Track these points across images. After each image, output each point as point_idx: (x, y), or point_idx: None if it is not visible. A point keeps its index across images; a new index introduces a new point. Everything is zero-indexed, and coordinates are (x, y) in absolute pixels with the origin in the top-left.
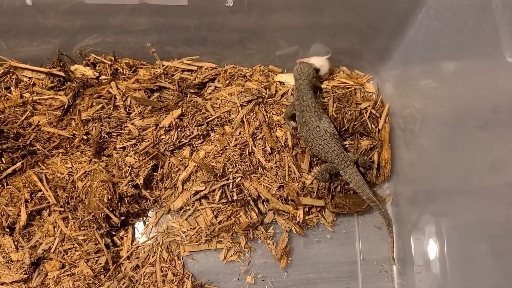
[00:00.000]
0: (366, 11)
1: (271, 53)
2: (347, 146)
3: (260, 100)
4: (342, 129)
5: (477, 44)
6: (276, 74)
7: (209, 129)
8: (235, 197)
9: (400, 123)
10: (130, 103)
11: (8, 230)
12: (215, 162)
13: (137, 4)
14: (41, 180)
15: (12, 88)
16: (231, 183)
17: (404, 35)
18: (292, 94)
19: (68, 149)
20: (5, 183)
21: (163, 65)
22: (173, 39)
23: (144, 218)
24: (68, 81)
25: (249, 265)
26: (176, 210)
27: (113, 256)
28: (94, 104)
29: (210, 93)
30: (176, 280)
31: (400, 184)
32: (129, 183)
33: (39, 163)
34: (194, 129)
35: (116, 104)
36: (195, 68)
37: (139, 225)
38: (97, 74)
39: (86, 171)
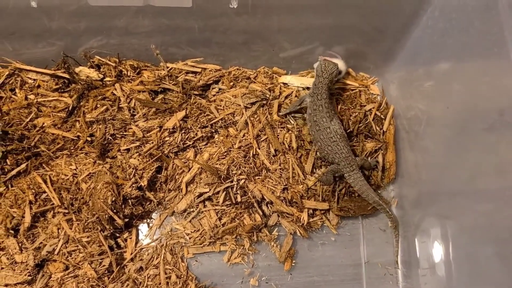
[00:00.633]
0: (370, 12)
1: (275, 55)
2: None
3: (264, 102)
4: (347, 131)
5: (482, 45)
6: (280, 76)
7: (213, 131)
8: (239, 199)
9: (404, 125)
10: (134, 105)
11: (12, 231)
12: (219, 164)
13: (142, 6)
14: (45, 182)
15: (17, 90)
16: (235, 185)
17: (409, 37)
18: (296, 96)
19: (73, 150)
20: (9, 185)
21: (167, 67)
22: (177, 41)
23: (148, 220)
24: (72, 83)
25: (253, 268)
26: (180, 212)
27: (117, 258)
28: (98, 106)
29: (214, 95)
30: (180, 283)
31: (405, 186)
32: (133, 185)
33: (43, 165)
34: (198, 131)
35: (120, 106)
36: (199, 70)
37: (143, 227)
38: (101, 76)
39: (90, 173)
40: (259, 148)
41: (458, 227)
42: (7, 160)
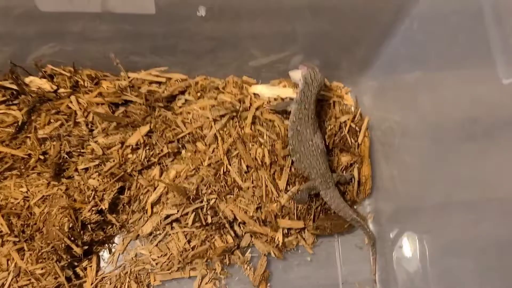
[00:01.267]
0: (346, 20)
1: (244, 63)
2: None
3: (235, 114)
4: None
5: (455, 55)
6: (251, 86)
7: (180, 146)
8: (209, 220)
9: (379, 137)
10: (93, 119)
11: None
12: (187, 183)
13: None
14: None
15: None
16: (205, 206)
17: (384, 46)
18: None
19: (23, 170)
20: None
21: (129, 77)
22: (140, 48)
23: (110, 245)
24: (22, 95)
25: None
26: (145, 236)
27: None
28: (52, 120)
29: (180, 107)
30: None
31: (381, 200)
32: (93, 209)
33: None
34: (163, 146)
35: (76, 120)
36: (163, 79)
37: (105, 253)
38: (55, 87)
39: (44, 196)
40: (230, 165)
41: (436, 241)
42: None
